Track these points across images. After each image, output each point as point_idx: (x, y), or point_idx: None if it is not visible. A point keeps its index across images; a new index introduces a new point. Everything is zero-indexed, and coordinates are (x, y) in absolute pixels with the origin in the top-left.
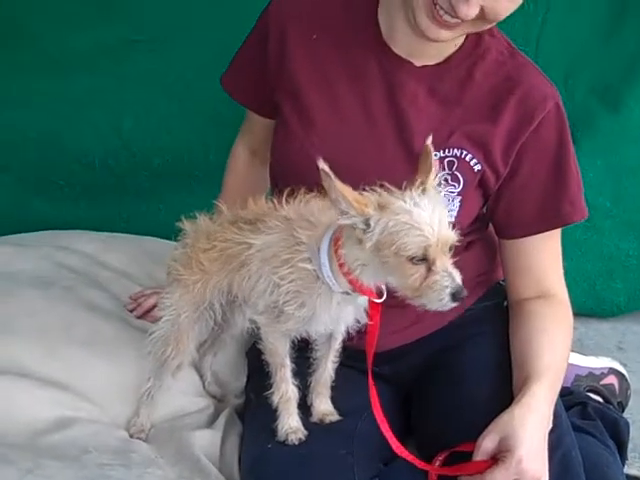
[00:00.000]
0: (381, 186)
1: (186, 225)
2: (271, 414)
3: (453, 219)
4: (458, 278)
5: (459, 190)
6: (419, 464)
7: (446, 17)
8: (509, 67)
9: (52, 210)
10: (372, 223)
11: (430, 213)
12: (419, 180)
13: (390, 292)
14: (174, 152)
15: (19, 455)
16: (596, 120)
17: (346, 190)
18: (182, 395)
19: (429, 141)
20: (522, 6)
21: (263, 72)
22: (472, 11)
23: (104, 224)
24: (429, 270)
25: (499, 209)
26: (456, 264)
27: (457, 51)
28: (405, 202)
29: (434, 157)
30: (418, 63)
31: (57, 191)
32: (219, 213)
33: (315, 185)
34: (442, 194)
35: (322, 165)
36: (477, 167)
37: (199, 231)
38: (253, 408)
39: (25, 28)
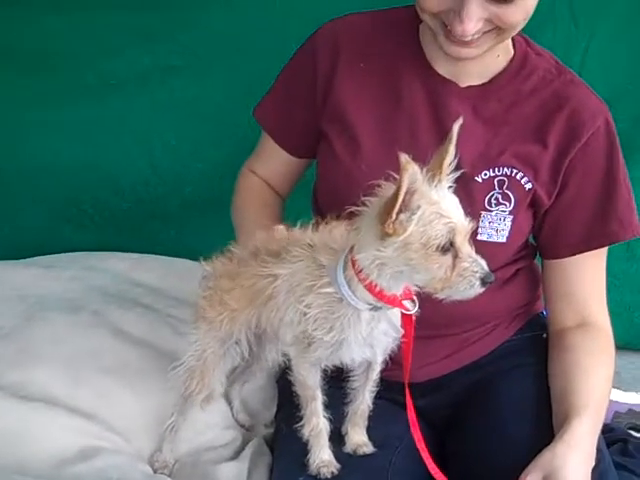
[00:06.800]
0: None
1: (205, 266)
2: (303, 445)
3: (505, 239)
4: (484, 263)
5: (510, 209)
6: None
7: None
8: (557, 84)
9: (81, 237)
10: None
11: (453, 202)
12: (434, 169)
13: (427, 320)
14: (205, 180)
15: None
16: (639, 148)
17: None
18: (209, 429)
19: (457, 124)
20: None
21: (306, 98)
22: (469, 28)
23: (132, 251)
24: (455, 259)
25: (545, 227)
26: (501, 293)
27: (503, 71)
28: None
29: (453, 144)
30: (463, 84)
31: (86, 218)
32: (233, 252)
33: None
34: (493, 213)
35: (404, 157)
36: (528, 185)
37: (218, 272)
38: (284, 439)
39: (59, 54)
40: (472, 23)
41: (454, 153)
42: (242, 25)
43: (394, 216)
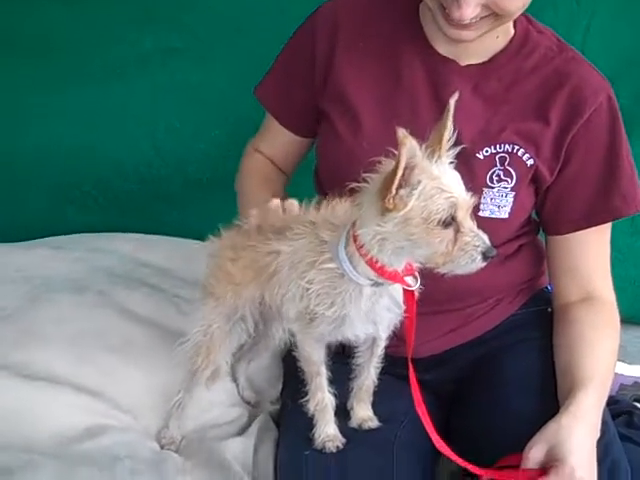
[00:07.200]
0: None
1: (212, 240)
2: (308, 420)
3: (507, 215)
4: (486, 238)
5: (512, 185)
6: (471, 468)
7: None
8: (558, 61)
9: (84, 219)
10: (418, 187)
11: (454, 177)
12: (434, 145)
13: (429, 296)
14: (208, 160)
15: (51, 462)
16: None
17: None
18: (214, 407)
19: (453, 98)
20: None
21: (305, 78)
22: (467, 13)
23: (136, 231)
24: (457, 233)
25: (548, 203)
26: (503, 269)
27: (504, 50)
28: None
29: (451, 118)
30: (463, 63)
31: (89, 200)
32: (240, 224)
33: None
34: (495, 189)
35: (401, 132)
36: (530, 162)
37: (223, 243)
38: (289, 414)
39: (61, 38)
40: (470, 9)
41: (453, 128)
42: (242, 6)
43: (394, 191)
